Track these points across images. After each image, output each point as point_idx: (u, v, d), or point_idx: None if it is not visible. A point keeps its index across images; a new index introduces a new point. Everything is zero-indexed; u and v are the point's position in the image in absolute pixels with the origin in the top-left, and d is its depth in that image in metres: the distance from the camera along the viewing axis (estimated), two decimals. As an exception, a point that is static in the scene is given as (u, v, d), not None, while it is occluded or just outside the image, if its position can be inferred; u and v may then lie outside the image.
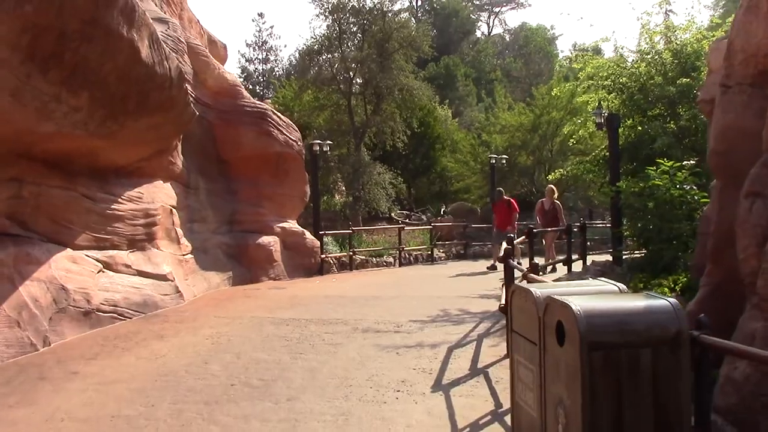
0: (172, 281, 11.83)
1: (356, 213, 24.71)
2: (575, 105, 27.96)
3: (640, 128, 14.35)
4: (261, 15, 77.70)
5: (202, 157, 14.69)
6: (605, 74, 14.49)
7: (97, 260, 10.30)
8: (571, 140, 18.59)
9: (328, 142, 20.84)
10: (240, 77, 54.70)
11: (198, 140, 14.51)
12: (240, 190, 15.55)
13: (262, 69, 57.79)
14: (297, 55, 31.39)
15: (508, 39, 76.10)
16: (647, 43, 14.10)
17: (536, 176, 29.61)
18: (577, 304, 3.81)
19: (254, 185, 15.64)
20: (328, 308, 11.31)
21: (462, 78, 54.93)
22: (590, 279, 5.13)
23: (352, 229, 19.01)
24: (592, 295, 4.25)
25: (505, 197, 17.53)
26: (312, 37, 25.51)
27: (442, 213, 26.16)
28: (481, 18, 76.88)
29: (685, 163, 11.60)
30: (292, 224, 16.75)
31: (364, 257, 19.21)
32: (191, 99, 11.91)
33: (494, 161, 24.78)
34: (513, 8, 78.17)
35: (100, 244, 10.49)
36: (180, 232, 12.89)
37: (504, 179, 27.92)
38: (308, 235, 17.06)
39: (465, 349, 8.17)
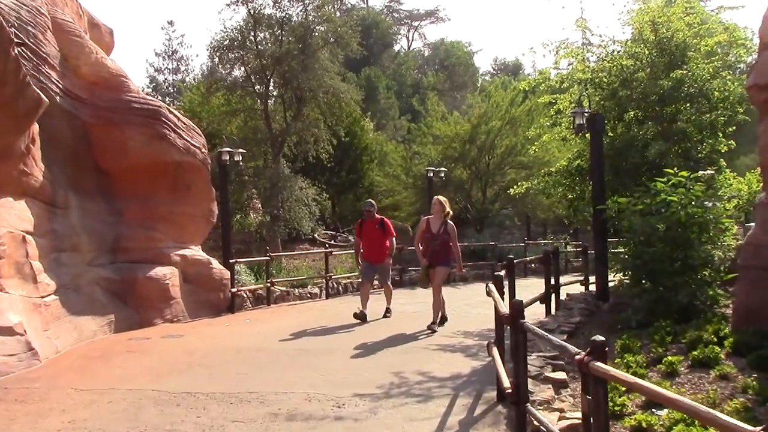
0: (21, 335, 8.65)
1: (274, 234, 21.49)
2: (514, 114, 25.89)
3: (615, 133, 11.91)
4: (171, 23, 73.73)
5: (75, 167, 11.41)
6: (582, 67, 12.00)
7: None
8: (533, 147, 16.03)
9: (241, 150, 17.61)
10: (148, 88, 50.77)
11: (68, 145, 11.27)
12: (126, 209, 12.28)
13: (173, 79, 54.35)
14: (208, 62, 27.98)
15: (427, 53, 74.76)
16: (634, 33, 11.70)
17: (473, 191, 27.15)
18: None
19: (145, 203, 12.43)
20: (239, 372, 8.23)
21: (384, 90, 52.63)
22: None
23: (269, 256, 15.85)
24: None
25: (377, 215, 12.56)
26: (222, 30, 22.09)
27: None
28: (400, 32, 75.28)
29: (701, 173, 9.16)
30: (195, 251, 13.52)
31: (284, 288, 16.08)
32: (55, 87, 8.71)
33: (431, 174, 22.12)
34: (432, 22, 77.25)
35: None
36: (37, 266, 9.62)
37: (438, 194, 25.33)
38: (215, 264, 13.86)
39: (448, 455, 5.31)
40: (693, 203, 8.68)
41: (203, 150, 13.50)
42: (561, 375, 6.52)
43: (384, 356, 8.99)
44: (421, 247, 11.08)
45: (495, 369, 7.01)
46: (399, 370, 8.05)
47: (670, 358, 6.44)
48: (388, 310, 12.64)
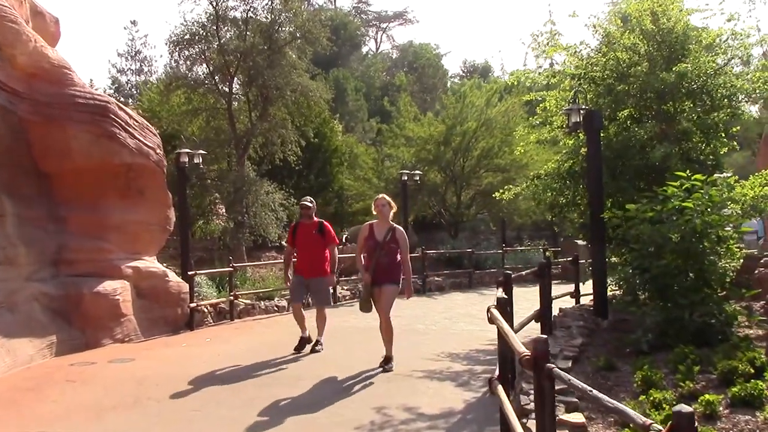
0: (-63, 365, 7.32)
1: (239, 242, 20.15)
2: (490, 115, 24.99)
3: (607, 132, 10.92)
4: (134, 23, 71.73)
5: (11, 170, 10.15)
6: (575, 61, 11.03)
7: None
8: (519, 149, 15.00)
9: (201, 152, 16.33)
10: (110, 89, 48.93)
11: (3, 144, 10.06)
12: (71, 216, 11.00)
13: (136, 80, 52.84)
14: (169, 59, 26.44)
15: (395, 55, 74.01)
16: (632, 23, 10.77)
17: (447, 195, 26.08)
18: None
19: (93, 210, 11.17)
20: (193, 408, 7.05)
21: (352, 92, 51.62)
22: None
23: (232, 266, 14.59)
24: None
25: (315, 218, 10.23)
26: (182, 24, 20.73)
27: (344, 240, 21.84)
28: (368, 33, 74.50)
29: (718, 176, 8.21)
30: (149, 263, 12.25)
31: (249, 301, 14.83)
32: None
33: (405, 177, 20.99)
34: (401, 24, 76.53)
35: None
36: (-39, 283, 8.31)
37: (411, 198, 24.16)
38: (172, 276, 12.60)
39: None
40: (709, 210, 7.73)
41: (158, 151, 12.23)
42: (578, 417, 5.45)
43: (362, 386, 7.86)
44: (363, 258, 8.70)
45: (492, 403, 6.02)
46: (381, 404, 6.94)
47: (707, 396, 5.41)
48: (317, 343, 9.96)
